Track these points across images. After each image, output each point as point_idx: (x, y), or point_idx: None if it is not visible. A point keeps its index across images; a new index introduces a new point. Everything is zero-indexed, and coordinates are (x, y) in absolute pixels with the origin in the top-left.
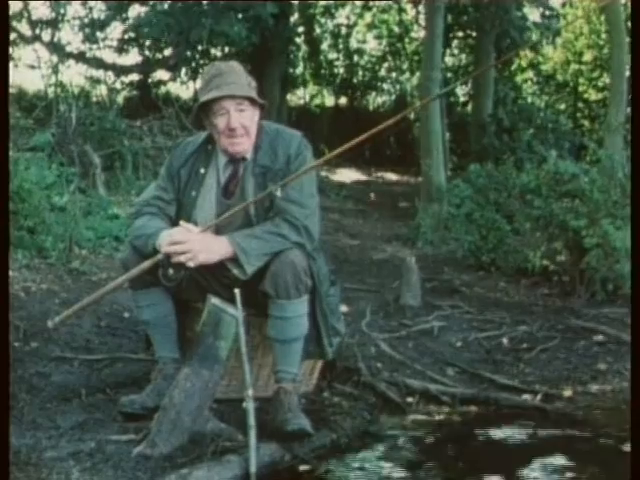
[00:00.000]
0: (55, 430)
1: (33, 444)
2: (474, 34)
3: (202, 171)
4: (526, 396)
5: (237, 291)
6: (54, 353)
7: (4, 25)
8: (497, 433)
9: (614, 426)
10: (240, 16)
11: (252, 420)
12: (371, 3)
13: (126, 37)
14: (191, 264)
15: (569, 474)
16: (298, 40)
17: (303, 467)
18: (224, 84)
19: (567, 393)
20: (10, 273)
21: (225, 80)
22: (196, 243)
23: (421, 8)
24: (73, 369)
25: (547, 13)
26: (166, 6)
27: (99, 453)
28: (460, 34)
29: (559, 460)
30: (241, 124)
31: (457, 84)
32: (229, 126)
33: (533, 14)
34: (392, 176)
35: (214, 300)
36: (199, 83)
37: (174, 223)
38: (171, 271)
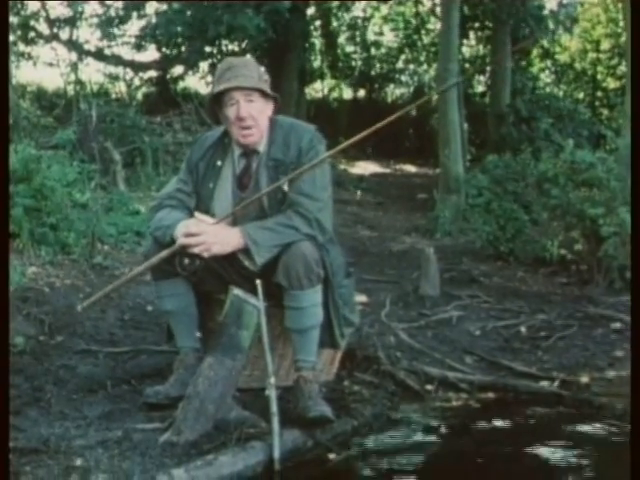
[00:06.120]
0: (83, 420)
1: (62, 433)
2: (491, 25)
3: (219, 163)
4: (544, 383)
5: (259, 282)
6: (79, 346)
7: (4, 25)
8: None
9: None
10: (256, 10)
11: (275, 407)
12: None
13: (143, 34)
14: (205, 255)
15: (584, 460)
16: (315, 33)
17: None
18: (234, 77)
19: (584, 379)
20: (34, 269)
21: (235, 73)
22: (210, 235)
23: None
24: (98, 361)
25: (564, 2)
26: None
27: (126, 441)
28: (477, 25)
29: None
30: (250, 114)
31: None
32: (238, 115)
33: (550, 2)
34: (411, 168)
35: (236, 291)
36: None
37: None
38: (187, 260)
